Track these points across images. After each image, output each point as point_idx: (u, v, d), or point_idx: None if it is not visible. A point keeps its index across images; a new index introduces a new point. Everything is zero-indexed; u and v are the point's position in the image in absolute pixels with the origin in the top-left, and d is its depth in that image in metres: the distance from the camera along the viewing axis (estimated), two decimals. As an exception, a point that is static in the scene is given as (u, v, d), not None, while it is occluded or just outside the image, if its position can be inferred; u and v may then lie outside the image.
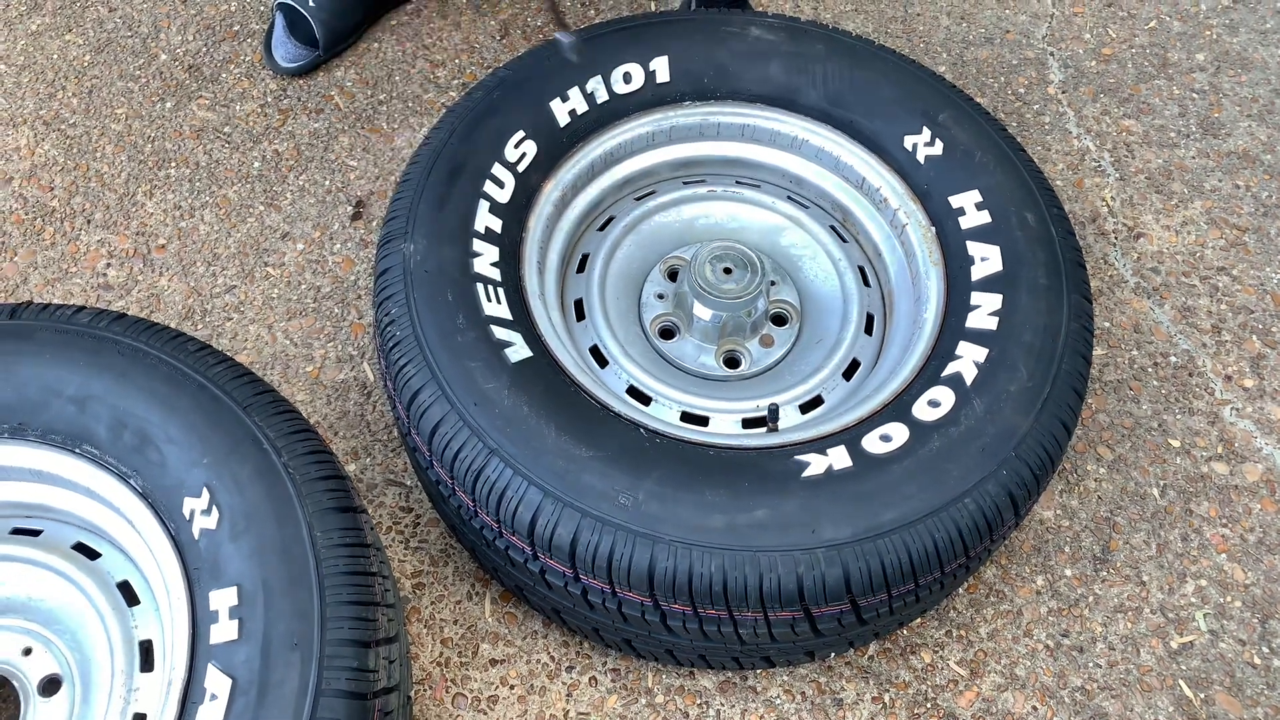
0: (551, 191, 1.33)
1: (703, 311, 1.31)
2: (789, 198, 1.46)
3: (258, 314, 1.56)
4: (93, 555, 1.08)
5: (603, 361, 1.30)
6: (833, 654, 1.25)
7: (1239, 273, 1.64)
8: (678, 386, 1.29)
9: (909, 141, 1.35)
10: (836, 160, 1.39)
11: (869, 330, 1.35)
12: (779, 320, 1.38)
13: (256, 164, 1.73)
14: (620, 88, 1.38)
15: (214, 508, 0.97)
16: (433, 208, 1.23)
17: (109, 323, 1.09)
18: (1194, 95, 1.87)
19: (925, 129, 1.35)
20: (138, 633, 1.03)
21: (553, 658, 1.27)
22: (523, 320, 1.18)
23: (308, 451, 1.02)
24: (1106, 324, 1.58)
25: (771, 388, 1.31)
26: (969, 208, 1.29)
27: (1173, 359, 1.55)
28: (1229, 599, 1.34)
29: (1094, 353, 1.54)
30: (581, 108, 1.36)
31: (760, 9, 1.93)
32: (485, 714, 1.23)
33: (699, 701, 1.24)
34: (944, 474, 1.06)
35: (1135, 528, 1.39)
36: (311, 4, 1.79)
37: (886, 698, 1.25)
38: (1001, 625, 1.31)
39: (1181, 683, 1.28)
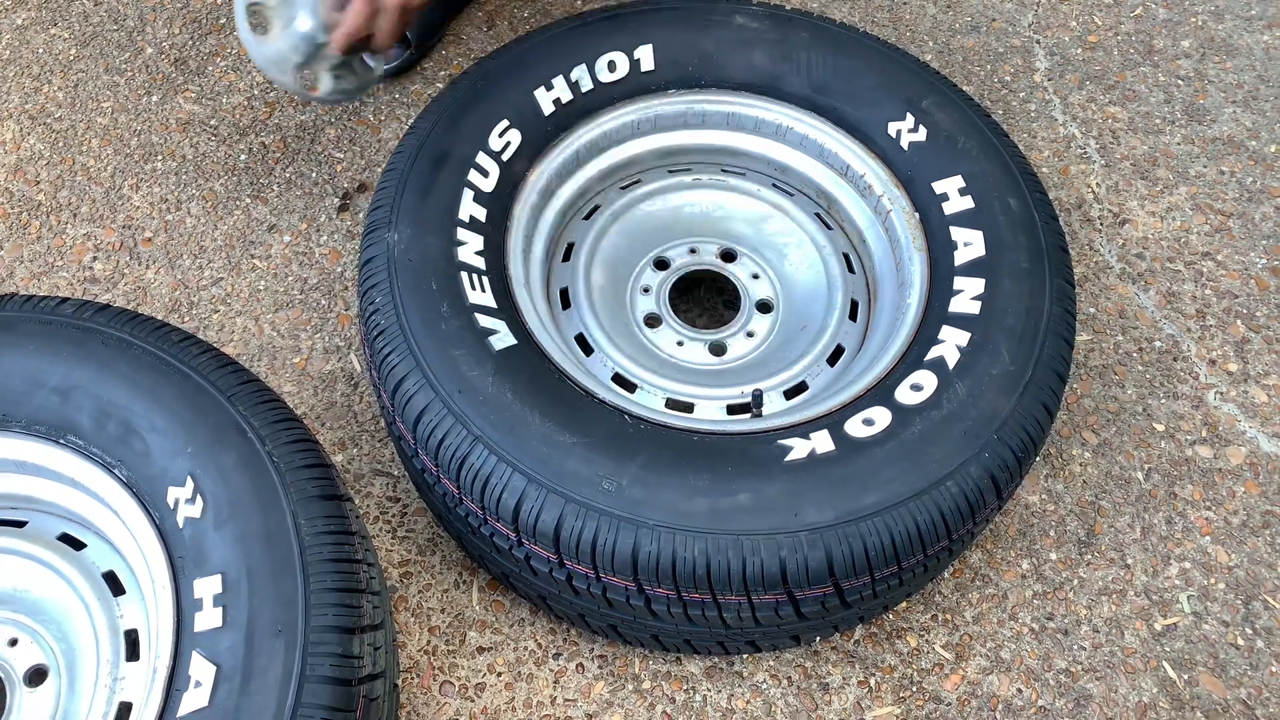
0: (536, 180, 1.34)
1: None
2: (774, 185, 1.46)
3: (244, 306, 1.56)
4: (78, 545, 1.08)
5: (588, 349, 1.31)
6: (818, 638, 1.26)
7: (1223, 258, 1.64)
8: (663, 374, 1.29)
9: (893, 128, 1.35)
10: (821, 147, 1.40)
11: (853, 316, 1.35)
12: (763, 308, 1.39)
13: (243, 156, 1.73)
14: (605, 76, 1.38)
15: (198, 496, 0.97)
16: (417, 197, 1.23)
17: (93, 314, 1.09)
18: (1179, 82, 1.87)
19: (909, 115, 1.35)
20: (123, 622, 1.03)
21: (540, 645, 1.27)
22: (507, 308, 1.19)
23: (292, 440, 1.02)
24: (1092, 309, 1.58)
25: (756, 374, 1.31)
26: (952, 193, 1.29)
27: (1157, 344, 1.55)
28: (1213, 581, 1.35)
29: (1079, 338, 1.54)
30: (566, 96, 1.36)
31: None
32: (473, 701, 1.23)
33: (685, 687, 1.25)
34: (926, 457, 1.07)
35: (1120, 511, 1.40)
36: None
37: (872, 681, 1.26)
38: (987, 609, 1.32)
39: (1165, 664, 1.28)
